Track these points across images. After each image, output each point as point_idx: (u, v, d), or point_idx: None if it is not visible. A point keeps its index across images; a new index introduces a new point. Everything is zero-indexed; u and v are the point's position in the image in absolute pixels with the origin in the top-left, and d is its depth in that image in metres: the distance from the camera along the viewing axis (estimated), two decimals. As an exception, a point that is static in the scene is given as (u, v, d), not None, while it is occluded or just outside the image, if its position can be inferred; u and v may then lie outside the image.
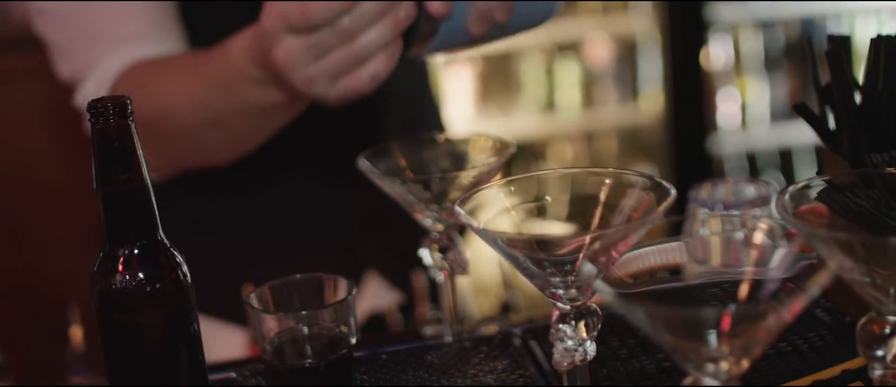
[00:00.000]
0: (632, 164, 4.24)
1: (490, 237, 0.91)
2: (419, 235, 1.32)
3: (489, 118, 4.07)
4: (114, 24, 1.51)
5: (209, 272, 1.27)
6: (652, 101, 4.12)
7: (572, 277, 0.91)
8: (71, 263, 3.30)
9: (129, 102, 1.02)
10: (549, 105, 4.13)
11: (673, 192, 0.92)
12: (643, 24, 4.06)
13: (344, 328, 1.14)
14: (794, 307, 0.77)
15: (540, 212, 0.98)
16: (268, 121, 1.39)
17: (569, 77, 4.11)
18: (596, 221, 0.96)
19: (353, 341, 1.15)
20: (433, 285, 1.75)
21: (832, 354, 1.16)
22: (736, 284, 0.86)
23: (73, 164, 2.89)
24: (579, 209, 0.97)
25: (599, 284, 0.82)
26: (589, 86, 4.14)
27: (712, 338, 0.78)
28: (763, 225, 0.90)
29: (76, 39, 1.53)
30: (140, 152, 1.03)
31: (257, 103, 1.33)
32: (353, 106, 1.71)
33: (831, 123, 1.20)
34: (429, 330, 1.41)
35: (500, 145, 1.26)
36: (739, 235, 1.37)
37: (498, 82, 4.20)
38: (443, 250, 1.28)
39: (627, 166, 4.20)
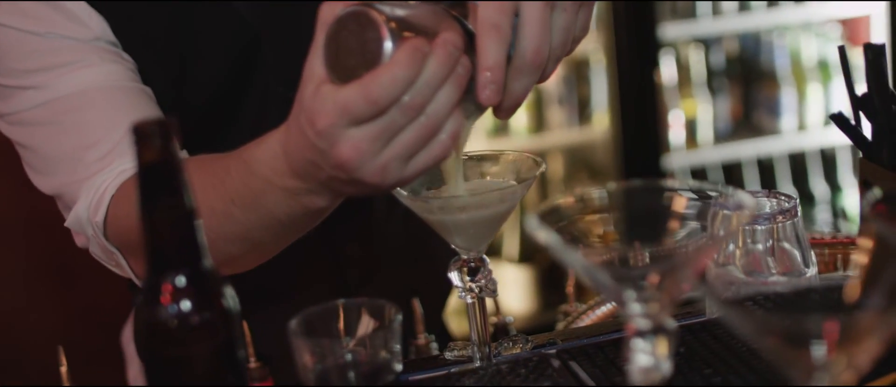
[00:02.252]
0: (582, 185, 4.24)
1: (567, 252, 0.89)
2: (423, 269, 1.29)
3: (439, 143, 4.04)
4: (101, 133, 1.39)
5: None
6: (601, 121, 4.13)
7: (651, 292, 0.89)
8: (20, 300, 3.25)
9: (173, 123, 0.98)
10: (500, 128, 4.12)
11: (750, 202, 0.91)
12: (591, 45, 4.07)
13: (387, 355, 1.11)
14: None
15: (612, 226, 0.96)
16: (299, 228, 1.29)
17: (518, 100, 4.10)
18: (672, 235, 0.94)
19: (399, 367, 1.12)
20: (429, 314, 1.73)
21: (884, 362, 1.15)
22: (835, 290, 0.84)
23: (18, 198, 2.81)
24: (652, 223, 0.95)
25: (703, 291, 0.80)
26: (539, 107, 4.14)
27: (820, 349, 0.77)
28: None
29: (60, 155, 1.42)
30: (185, 177, 0.99)
31: (289, 215, 1.22)
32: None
33: (868, 133, 1.19)
34: (450, 354, 1.38)
35: (530, 162, 1.24)
36: (761, 247, 1.37)
37: (447, 107, 4.18)
38: (472, 273, 1.26)
39: (577, 187, 4.20)
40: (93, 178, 1.39)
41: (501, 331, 1.89)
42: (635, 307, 0.91)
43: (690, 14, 4.08)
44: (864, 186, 1.19)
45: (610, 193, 0.97)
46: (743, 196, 0.93)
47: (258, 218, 1.24)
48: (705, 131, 4.18)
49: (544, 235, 0.91)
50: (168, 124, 0.98)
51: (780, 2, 4.12)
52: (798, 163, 4.30)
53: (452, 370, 1.31)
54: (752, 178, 4.29)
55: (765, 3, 4.12)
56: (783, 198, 1.34)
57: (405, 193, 1.20)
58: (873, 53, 1.15)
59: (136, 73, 1.47)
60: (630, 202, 0.96)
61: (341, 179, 1.10)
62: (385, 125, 1.03)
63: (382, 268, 1.76)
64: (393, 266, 1.78)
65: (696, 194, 0.95)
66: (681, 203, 0.94)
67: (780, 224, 1.28)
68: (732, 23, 4.10)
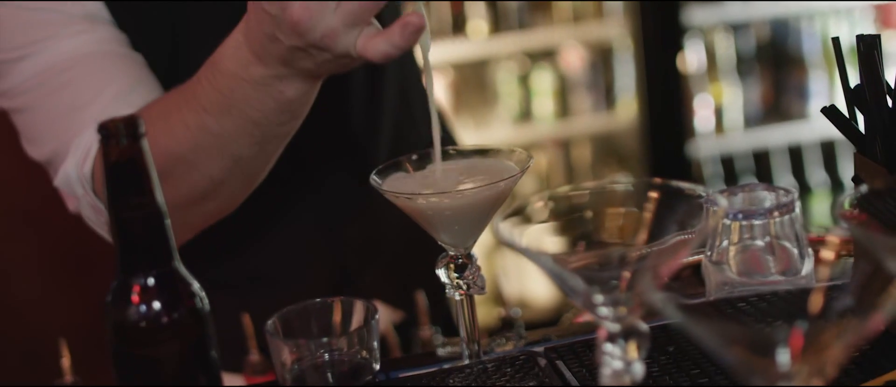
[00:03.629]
0: (608, 171, 4.21)
1: (535, 255, 0.87)
2: (424, 254, 1.28)
3: (464, 129, 4.02)
4: (91, 94, 1.41)
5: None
6: (627, 107, 4.09)
7: (621, 294, 0.87)
8: (34, 291, 3.26)
9: (141, 122, 0.97)
10: (525, 114, 4.09)
11: (723, 203, 0.88)
12: (617, 31, 4.03)
13: (366, 354, 1.10)
14: (874, 322, 0.73)
15: (581, 227, 0.93)
16: (275, 132, 1.30)
17: (543, 86, 4.08)
18: (644, 236, 0.91)
19: (376, 367, 1.10)
20: (433, 305, 1.71)
21: (875, 364, 1.12)
22: (799, 295, 0.82)
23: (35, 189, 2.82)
24: (623, 224, 0.93)
25: (660, 298, 0.77)
26: (564, 94, 4.11)
27: (785, 356, 0.74)
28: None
29: (51, 119, 1.43)
30: (154, 175, 0.98)
31: (260, 110, 1.24)
32: (342, 131, 1.68)
33: (862, 126, 1.16)
34: (442, 351, 1.37)
35: (519, 156, 1.22)
36: (760, 243, 1.34)
37: (472, 92, 4.17)
38: (459, 269, 1.23)
39: (604, 174, 4.18)
40: (81, 134, 1.40)
41: (508, 325, 1.87)
42: (605, 311, 0.88)
43: (718, -3, 4.03)
44: (856, 182, 1.16)
45: (579, 194, 0.94)
46: (718, 196, 0.90)
47: (232, 122, 1.26)
48: (734, 117, 4.13)
49: (510, 238, 0.89)
50: (136, 122, 0.96)
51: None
52: (828, 150, 4.25)
53: (443, 367, 1.29)
54: (781, 165, 4.24)
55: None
56: (781, 192, 1.31)
57: (387, 187, 1.18)
58: (865, 45, 1.12)
59: (128, 43, 1.48)
60: (601, 203, 0.94)
61: (299, 49, 1.13)
62: None
63: (383, 255, 1.75)
64: (394, 253, 1.76)
65: (671, 193, 0.92)
66: (653, 203, 0.92)
67: (776, 220, 1.25)
68: (761, 7, 4.04)
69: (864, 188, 0.91)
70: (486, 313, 3.15)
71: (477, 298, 1.25)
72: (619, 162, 4.22)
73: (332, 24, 1.09)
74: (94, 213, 1.43)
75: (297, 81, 1.20)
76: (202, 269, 1.63)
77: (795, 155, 4.26)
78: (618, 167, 4.20)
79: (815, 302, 0.80)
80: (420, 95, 1.79)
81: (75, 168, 1.40)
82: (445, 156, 1.25)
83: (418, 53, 1.28)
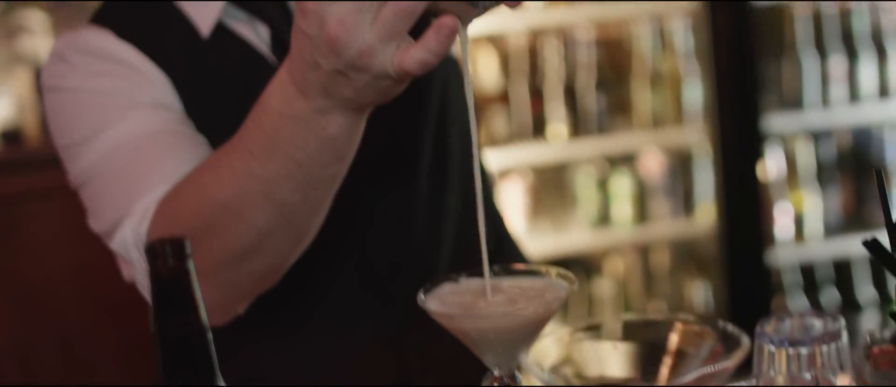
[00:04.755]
0: (687, 278, 4.19)
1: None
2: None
3: (542, 233, 4.04)
4: (154, 165, 1.47)
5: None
6: (706, 213, 4.08)
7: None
8: (121, 374, 3.32)
9: (187, 242, 1.00)
10: (603, 219, 4.10)
11: (745, 342, 0.89)
12: (696, 137, 4.04)
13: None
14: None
15: (607, 360, 0.95)
16: (318, 176, 1.30)
17: (622, 190, 4.09)
18: (667, 370, 0.93)
19: None
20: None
21: None
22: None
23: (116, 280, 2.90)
24: (648, 358, 0.94)
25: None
26: (642, 199, 4.11)
27: None
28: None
29: (113, 193, 1.50)
30: (199, 296, 1.01)
31: (304, 150, 1.25)
32: (406, 239, 1.72)
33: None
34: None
35: (564, 279, 1.23)
36: (808, 375, 1.33)
37: (550, 196, 4.19)
38: (504, 391, 1.25)
39: (682, 280, 4.16)
40: (140, 200, 1.45)
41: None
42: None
43: (798, 104, 4.02)
44: (894, 317, 1.16)
45: (606, 329, 0.96)
46: (741, 334, 0.91)
47: (276, 165, 1.27)
48: (814, 225, 4.10)
49: (538, 376, 0.91)
50: (182, 243, 1.00)
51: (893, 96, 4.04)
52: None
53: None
54: (862, 275, 4.19)
55: (876, 95, 4.04)
56: (829, 319, 1.31)
57: (431, 305, 1.21)
58: (879, 178, 1.12)
59: (193, 126, 1.56)
60: (629, 337, 0.95)
61: (338, 73, 1.12)
62: None
63: (440, 364, 1.76)
64: (450, 362, 1.78)
65: (695, 328, 0.93)
66: (679, 338, 0.93)
67: (822, 349, 1.25)
68: (842, 115, 4.03)
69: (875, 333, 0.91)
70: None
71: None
72: (697, 268, 4.20)
73: (369, 40, 1.08)
74: (147, 279, 1.47)
75: (338, 115, 1.20)
76: (262, 372, 1.68)
77: (877, 264, 4.20)
78: (696, 274, 4.18)
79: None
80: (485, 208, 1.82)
81: (132, 231, 1.45)
82: (494, 274, 1.26)
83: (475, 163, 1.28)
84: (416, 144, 1.71)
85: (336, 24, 1.07)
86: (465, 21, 1.12)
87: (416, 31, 1.09)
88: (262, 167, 1.27)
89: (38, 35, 3.83)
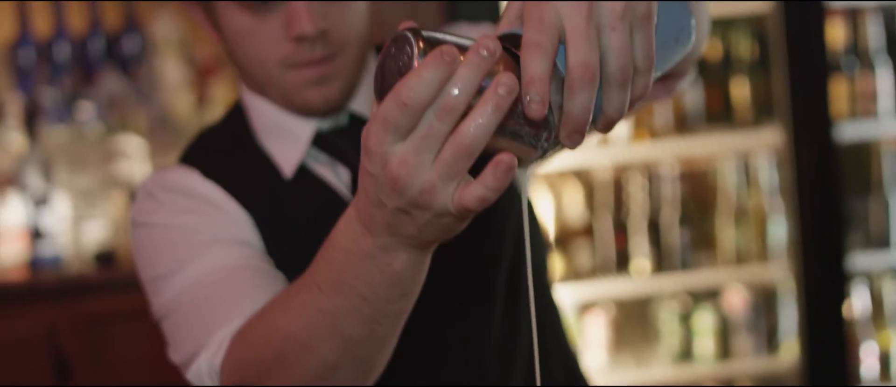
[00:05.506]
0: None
1: None
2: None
3: (623, 367, 4.03)
4: (235, 298, 1.52)
5: None
6: (790, 351, 4.05)
7: None
8: None
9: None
10: (685, 354, 4.08)
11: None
12: (780, 274, 4.03)
13: None
14: None
15: None
16: (381, 310, 1.30)
17: (704, 326, 4.08)
18: None
19: None
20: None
21: None
22: None
23: None
24: None
25: None
26: (725, 335, 4.09)
27: None
28: None
29: (193, 324, 1.54)
30: None
31: (369, 284, 1.26)
32: (481, 354, 1.75)
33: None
34: None
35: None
36: None
37: (632, 330, 4.19)
38: None
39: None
40: (218, 331, 1.49)
41: None
42: None
43: (885, 243, 4.00)
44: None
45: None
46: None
47: (343, 299, 1.28)
48: (901, 365, 4.06)
49: None
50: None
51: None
52: None
53: None
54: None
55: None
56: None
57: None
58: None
59: (273, 263, 1.61)
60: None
61: (401, 211, 1.13)
62: (424, 133, 1.07)
63: None
64: None
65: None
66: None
67: None
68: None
69: None
70: None
71: None
72: (781, 406, 4.16)
73: (430, 178, 1.09)
74: None
75: (403, 252, 1.21)
76: None
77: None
78: (780, 412, 4.13)
79: None
80: (556, 343, 1.85)
81: (207, 363, 1.49)
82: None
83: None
84: (491, 278, 1.75)
85: (398, 164, 1.09)
86: (525, 163, 1.15)
87: (477, 169, 1.11)
88: (330, 302, 1.30)
89: (134, 160, 3.95)
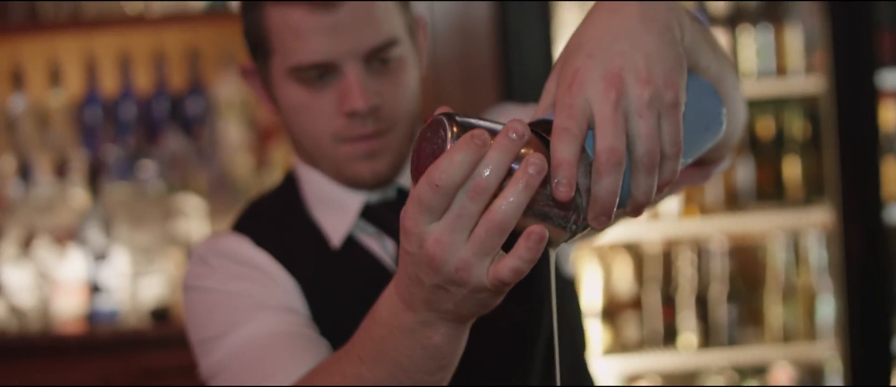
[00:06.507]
0: None
1: None
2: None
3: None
4: (281, 363, 1.56)
5: None
6: (837, 431, 4.05)
7: None
8: None
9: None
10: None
11: None
12: (828, 353, 4.03)
13: None
14: None
15: None
16: (420, 382, 1.34)
17: (752, 402, 4.08)
18: None
19: None
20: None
21: None
22: None
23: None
24: None
25: None
26: (772, 412, 4.10)
27: None
28: None
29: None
30: None
31: (409, 357, 1.30)
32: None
33: None
34: None
35: None
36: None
37: (679, 403, 4.20)
38: None
39: None
40: None
41: None
42: None
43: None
44: None
45: None
46: None
47: (383, 371, 1.32)
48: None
49: None
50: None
51: None
52: None
53: None
54: None
55: None
56: None
57: None
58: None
59: (318, 330, 1.67)
60: None
61: (439, 288, 1.17)
62: (457, 213, 1.11)
63: None
64: None
65: None
66: None
67: None
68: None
69: None
70: None
71: None
72: None
73: (465, 256, 1.13)
74: None
75: (442, 327, 1.25)
76: None
77: None
78: None
79: None
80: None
81: None
82: None
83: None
84: (527, 351, 1.78)
85: (433, 242, 1.13)
86: (555, 244, 1.19)
87: (508, 248, 1.15)
88: (370, 372, 1.34)
89: (193, 219, 4.03)
